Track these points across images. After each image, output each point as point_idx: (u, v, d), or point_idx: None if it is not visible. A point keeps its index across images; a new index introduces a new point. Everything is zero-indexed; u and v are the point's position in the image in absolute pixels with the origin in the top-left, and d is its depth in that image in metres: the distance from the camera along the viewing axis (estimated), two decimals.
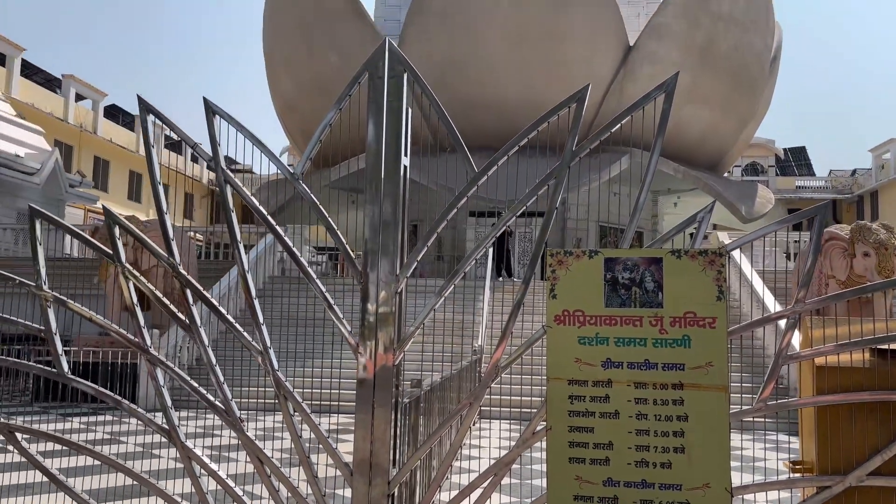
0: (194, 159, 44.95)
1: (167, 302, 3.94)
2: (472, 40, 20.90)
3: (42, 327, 4.00)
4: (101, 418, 10.56)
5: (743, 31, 21.94)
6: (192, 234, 15.26)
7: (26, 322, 4.09)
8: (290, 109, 25.08)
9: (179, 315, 3.85)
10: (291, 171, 4.01)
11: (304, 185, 3.84)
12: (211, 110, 3.93)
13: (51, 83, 34.33)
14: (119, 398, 3.86)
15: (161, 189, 3.87)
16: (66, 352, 4.15)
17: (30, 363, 4.22)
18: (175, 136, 4.21)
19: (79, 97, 33.95)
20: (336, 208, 21.81)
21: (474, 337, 11.31)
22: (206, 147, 4.02)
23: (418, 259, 3.79)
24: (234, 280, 14.72)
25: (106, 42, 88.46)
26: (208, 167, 42.30)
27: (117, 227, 3.97)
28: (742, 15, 21.79)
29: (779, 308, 12.05)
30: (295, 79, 23.71)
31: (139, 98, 3.99)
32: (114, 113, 39.25)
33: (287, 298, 9.62)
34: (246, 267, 3.86)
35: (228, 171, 3.88)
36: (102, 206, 4.29)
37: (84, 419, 10.52)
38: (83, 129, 33.04)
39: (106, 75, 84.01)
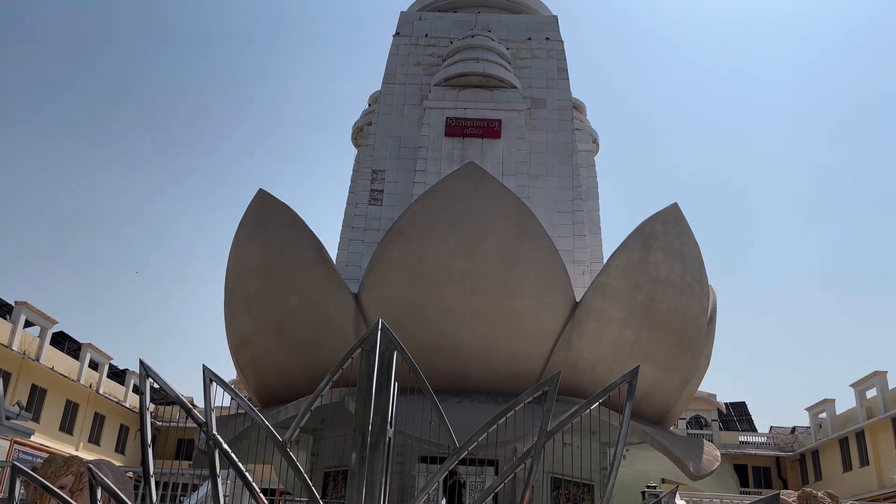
0: (134, 389, 43.69)
1: None
2: (429, 289, 21.94)
3: None
4: None
5: (680, 293, 23.61)
6: (129, 473, 14.58)
7: None
8: (244, 345, 25.22)
9: None
10: (280, 437, 4.18)
11: (290, 453, 4.00)
12: (208, 378, 4.18)
13: (0, 309, 34.14)
14: None
15: (150, 451, 3.98)
16: None
17: None
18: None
19: (28, 323, 33.62)
20: (273, 447, 21.11)
21: None
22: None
23: None
24: None
25: (61, 268, 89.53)
26: (150, 398, 40.87)
27: (100, 488, 4.00)
28: (679, 279, 23.58)
29: None
30: (253, 317, 24.16)
31: (141, 362, 4.23)
32: (60, 340, 38.71)
33: None
34: None
35: (219, 437, 4.04)
36: (87, 464, 4.33)
37: None
38: (25, 356, 32.32)
39: (58, 301, 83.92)
